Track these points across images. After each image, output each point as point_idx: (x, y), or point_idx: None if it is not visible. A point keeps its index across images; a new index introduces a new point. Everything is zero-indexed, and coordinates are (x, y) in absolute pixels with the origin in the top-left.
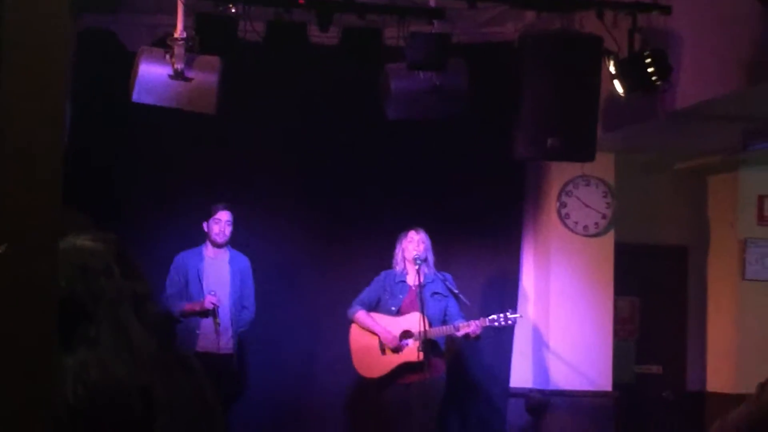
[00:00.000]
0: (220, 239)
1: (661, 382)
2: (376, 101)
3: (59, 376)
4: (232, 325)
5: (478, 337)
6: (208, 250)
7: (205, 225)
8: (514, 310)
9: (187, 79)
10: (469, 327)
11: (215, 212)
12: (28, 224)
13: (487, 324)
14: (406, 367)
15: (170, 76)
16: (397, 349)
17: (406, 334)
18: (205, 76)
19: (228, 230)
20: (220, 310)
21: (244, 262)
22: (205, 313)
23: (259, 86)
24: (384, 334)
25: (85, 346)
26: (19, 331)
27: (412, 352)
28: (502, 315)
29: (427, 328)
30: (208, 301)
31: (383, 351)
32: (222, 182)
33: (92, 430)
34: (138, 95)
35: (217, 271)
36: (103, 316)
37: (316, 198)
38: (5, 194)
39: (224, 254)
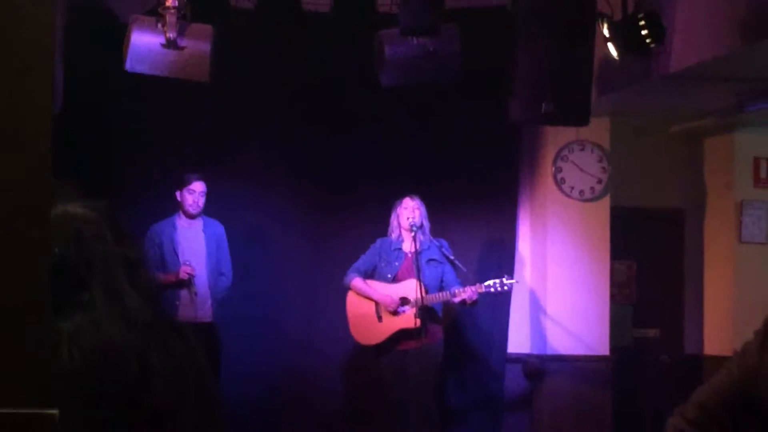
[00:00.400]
0: (193, 210)
1: (659, 345)
2: (369, 68)
3: (55, 340)
4: (210, 293)
5: (474, 303)
6: (181, 220)
7: (178, 194)
8: (511, 276)
9: (180, 48)
10: (465, 293)
11: (189, 182)
12: (20, 191)
13: (483, 290)
14: (403, 334)
15: (162, 45)
16: (395, 313)
17: (404, 301)
18: (198, 44)
19: (201, 201)
20: (196, 278)
21: (219, 228)
22: (180, 284)
23: (251, 54)
24: (383, 299)
25: (79, 311)
26: (13, 296)
27: (409, 318)
28: (498, 281)
29: (423, 294)
30: (183, 272)
31: (380, 318)
32: (215, 148)
33: (88, 393)
34: (131, 64)
35: (191, 240)
36: (97, 282)
37: (312, 166)
38: None
39: (198, 222)
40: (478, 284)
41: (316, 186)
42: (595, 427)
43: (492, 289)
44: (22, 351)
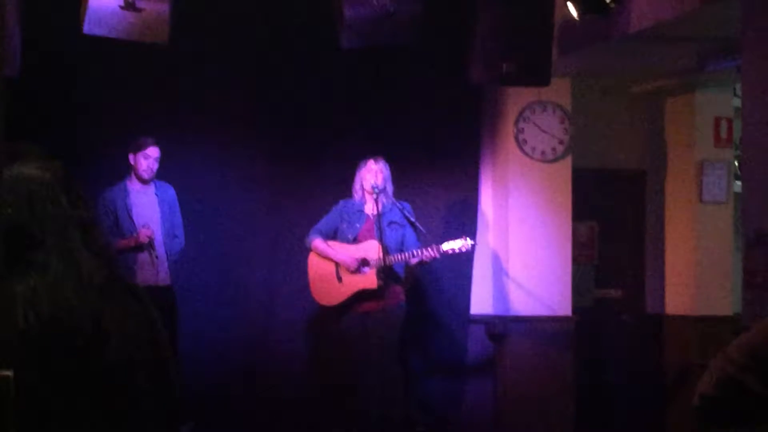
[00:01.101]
0: (147, 175)
1: (621, 305)
2: (329, 29)
3: (9, 302)
4: (167, 256)
5: (426, 263)
6: (134, 184)
7: (131, 157)
8: (472, 237)
9: (138, 10)
10: (422, 255)
11: (145, 146)
12: None
13: (441, 251)
14: (364, 295)
15: (121, 7)
16: (356, 272)
17: (364, 262)
18: (156, 5)
19: (155, 166)
20: (154, 242)
21: (170, 191)
22: (140, 247)
23: (209, 15)
24: (343, 259)
25: (34, 273)
26: None
27: (369, 279)
28: (457, 243)
29: (384, 255)
30: (143, 234)
31: (340, 279)
32: (173, 111)
33: (43, 356)
34: (89, 27)
35: (145, 204)
36: (51, 243)
37: (272, 129)
38: None
39: (150, 186)
40: (434, 245)
41: (277, 148)
42: (558, 388)
43: (450, 251)
44: None
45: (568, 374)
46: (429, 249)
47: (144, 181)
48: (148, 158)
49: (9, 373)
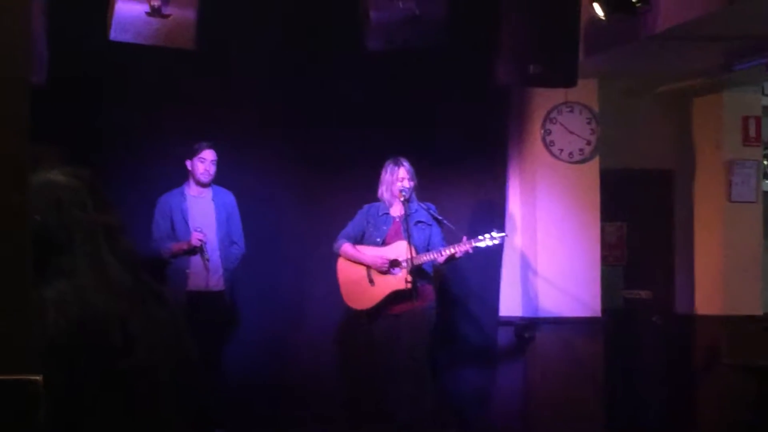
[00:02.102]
0: (204, 179)
1: (650, 306)
2: (355, 32)
3: (39, 308)
4: (222, 262)
5: (457, 259)
6: (191, 189)
7: (188, 163)
8: (501, 230)
9: (165, 16)
10: (454, 249)
11: (200, 151)
12: None
13: (473, 244)
14: (395, 297)
15: (147, 13)
16: (387, 272)
17: (394, 263)
18: (182, 11)
19: (212, 169)
20: (207, 247)
21: (229, 197)
22: (192, 251)
23: (235, 19)
24: (374, 260)
25: (62, 278)
26: None
27: (400, 280)
28: (487, 235)
29: (414, 255)
30: (195, 238)
31: (372, 281)
32: (202, 119)
33: (72, 360)
34: (115, 34)
35: (201, 210)
36: (79, 249)
37: (297, 131)
38: None
39: (208, 192)
40: (466, 239)
41: (302, 151)
42: (587, 388)
43: (482, 243)
44: (6, 318)
45: (598, 375)
46: (462, 243)
47: (203, 185)
48: (204, 161)
49: (38, 377)
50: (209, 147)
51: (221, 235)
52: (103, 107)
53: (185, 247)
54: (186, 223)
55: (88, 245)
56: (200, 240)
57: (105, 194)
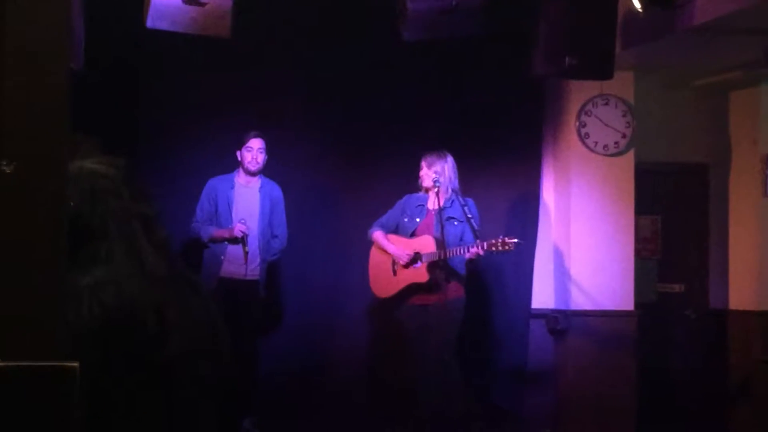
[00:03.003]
0: (253, 167)
1: (684, 300)
2: (392, 22)
3: (75, 294)
4: (260, 253)
5: (473, 257)
6: (240, 177)
7: (238, 153)
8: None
9: (201, 4)
10: (468, 252)
11: (247, 140)
12: (36, 145)
13: (485, 248)
14: (418, 289)
15: (184, 1)
16: (407, 266)
17: (416, 256)
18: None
19: (261, 158)
20: (248, 238)
21: (276, 190)
22: (234, 241)
23: (274, 8)
24: (396, 252)
25: (97, 266)
26: (28, 249)
27: (420, 273)
28: (499, 240)
29: (436, 249)
30: (238, 230)
31: (394, 271)
32: (240, 109)
33: (108, 347)
34: (152, 21)
35: (247, 199)
36: (114, 236)
37: (335, 123)
38: (13, 117)
39: (256, 182)
40: (479, 242)
41: (340, 142)
42: (620, 383)
43: (493, 249)
44: (42, 305)
45: (630, 370)
46: (473, 246)
47: (251, 174)
48: (251, 150)
49: (75, 363)
50: (257, 136)
51: (263, 226)
52: (140, 95)
53: (227, 235)
54: (230, 210)
55: (123, 234)
56: (242, 232)
57: (141, 183)
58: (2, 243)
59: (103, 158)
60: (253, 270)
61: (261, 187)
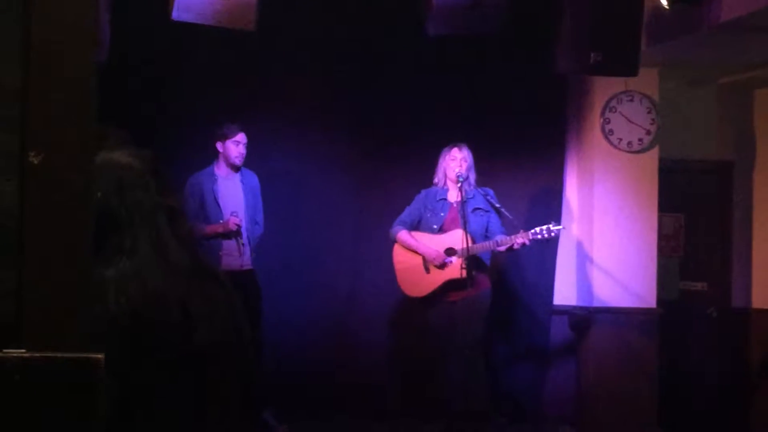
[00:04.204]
0: (239, 161)
1: (706, 298)
2: (416, 17)
3: (100, 286)
4: (249, 241)
5: (515, 249)
6: (221, 170)
7: (219, 145)
8: (558, 222)
9: None
10: (512, 241)
11: (233, 134)
12: (62, 136)
13: (531, 237)
14: (451, 285)
15: None
16: (442, 266)
17: (450, 251)
18: None
19: (244, 152)
20: (242, 229)
21: (254, 178)
22: (228, 235)
23: (297, 2)
24: (429, 252)
25: (123, 258)
26: (54, 239)
27: (456, 269)
28: (545, 227)
29: (469, 244)
30: (233, 223)
31: (427, 269)
32: (259, 98)
33: (133, 340)
34: (177, 13)
35: (231, 191)
36: (140, 228)
37: (357, 115)
38: (40, 108)
39: (236, 173)
40: (523, 231)
41: (359, 135)
42: (641, 380)
43: (539, 236)
44: (67, 296)
45: (652, 367)
46: (518, 235)
47: (235, 168)
48: (238, 144)
49: (100, 355)
50: (241, 130)
51: (248, 216)
52: (158, 85)
53: (220, 229)
54: (217, 204)
55: (149, 226)
56: (237, 225)
57: (167, 176)
58: (28, 233)
59: (132, 150)
60: (247, 260)
61: (242, 178)
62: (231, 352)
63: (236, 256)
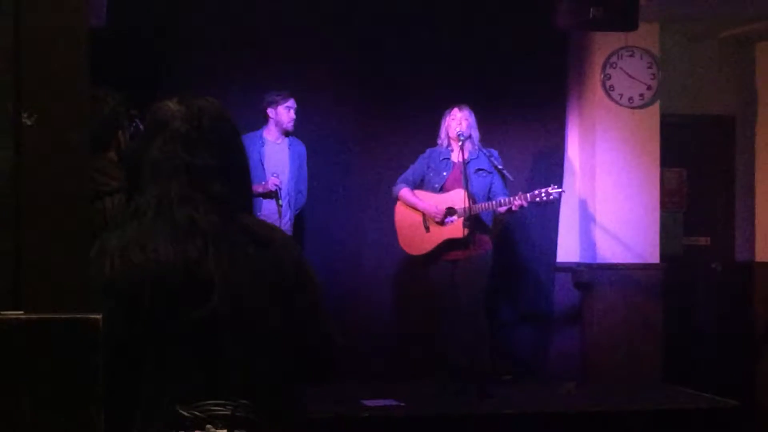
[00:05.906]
0: (291, 126)
1: (710, 253)
2: None
3: (102, 252)
4: (290, 208)
5: (520, 208)
6: (271, 135)
7: (271, 111)
8: (559, 185)
9: None
10: (510, 203)
11: (285, 100)
12: (56, 98)
13: (529, 199)
14: (451, 244)
15: None
16: (442, 223)
17: (450, 211)
18: None
19: (295, 117)
20: (281, 192)
21: (302, 147)
22: (268, 195)
23: None
24: (428, 208)
25: (131, 222)
26: (50, 201)
27: (456, 228)
28: (543, 190)
29: (470, 204)
30: (272, 183)
31: (427, 228)
32: (271, 66)
33: (131, 302)
34: None
35: (278, 156)
36: (155, 188)
37: (357, 77)
38: (33, 69)
39: (285, 139)
40: (521, 194)
41: (361, 97)
42: (646, 336)
43: (537, 199)
44: (68, 258)
45: (656, 322)
46: (517, 197)
47: (287, 133)
48: (290, 110)
49: (98, 316)
50: (291, 95)
51: (292, 183)
52: (156, 49)
53: (260, 189)
54: (262, 166)
55: (167, 185)
56: (276, 185)
57: (200, 135)
58: (24, 196)
59: (181, 98)
60: (285, 224)
61: (290, 145)
62: (262, 317)
63: (275, 218)
